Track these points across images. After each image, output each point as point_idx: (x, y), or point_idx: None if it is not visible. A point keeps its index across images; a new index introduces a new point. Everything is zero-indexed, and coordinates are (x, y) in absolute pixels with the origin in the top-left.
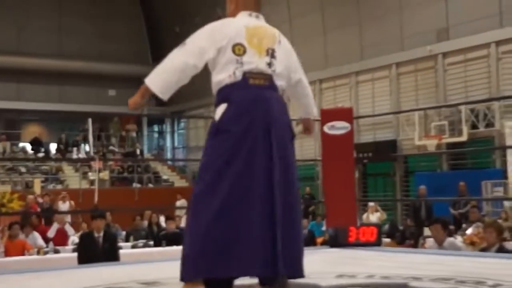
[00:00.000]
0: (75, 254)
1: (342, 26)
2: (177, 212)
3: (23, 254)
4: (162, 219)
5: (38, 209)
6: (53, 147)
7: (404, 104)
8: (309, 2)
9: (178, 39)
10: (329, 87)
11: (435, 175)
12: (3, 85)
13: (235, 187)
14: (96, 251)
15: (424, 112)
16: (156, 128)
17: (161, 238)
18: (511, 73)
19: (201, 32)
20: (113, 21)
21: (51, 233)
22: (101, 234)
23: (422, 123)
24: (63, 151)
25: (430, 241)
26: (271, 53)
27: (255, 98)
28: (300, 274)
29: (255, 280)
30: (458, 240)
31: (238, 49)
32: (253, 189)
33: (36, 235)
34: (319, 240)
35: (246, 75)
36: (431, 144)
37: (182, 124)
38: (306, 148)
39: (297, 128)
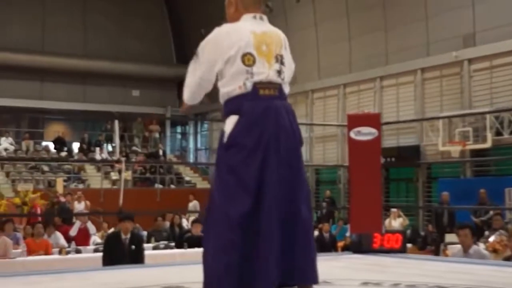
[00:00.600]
0: (97, 254)
1: (368, 31)
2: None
3: (46, 254)
4: (184, 221)
5: (39, 211)
6: (75, 146)
7: (429, 110)
8: (335, 6)
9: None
10: (353, 91)
11: (458, 181)
12: (27, 84)
13: (247, 201)
14: (122, 252)
15: (448, 118)
16: (179, 129)
17: (184, 241)
18: None
19: (208, 42)
20: (138, 21)
21: (73, 231)
22: (128, 236)
23: (446, 129)
24: (85, 150)
25: (452, 248)
26: (280, 60)
27: (265, 110)
28: (314, 281)
29: None
30: (481, 247)
31: (248, 59)
32: (266, 201)
33: (59, 235)
34: (340, 244)
35: (257, 86)
36: (455, 150)
37: (205, 126)
38: (329, 152)
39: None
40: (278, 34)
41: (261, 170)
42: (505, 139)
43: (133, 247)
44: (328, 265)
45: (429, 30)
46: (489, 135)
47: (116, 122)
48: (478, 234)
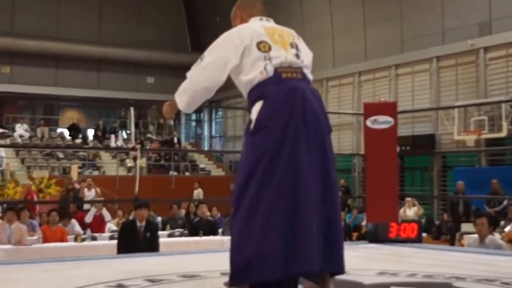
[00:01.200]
0: (113, 242)
1: (383, 19)
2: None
3: (61, 241)
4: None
5: (35, 198)
6: (90, 133)
7: (444, 99)
8: None
9: (218, 28)
10: (369, 79)
11: (473, 170)
12: (42, 70)
13: (283, 186)
14: (137, 240)
15: (464, 107)
16: (193, 116)
17: (195, 227)
18: None
19: (219, 42)
20: (153, 8)
21: (88, 218)
22: (143, 223)
23: (462, 117)
24: (100, 137)
25: (468, 238)
26: (296, 46)
27: (290, 92)
28: (342, 270)
29: None
30: (497, 237)
31: (263, 46)
32: (300, 186)
33: (74, 222)
34: (354, 233)
35: (278, 70)
36: (470, 139)
37: (220, 113)
38: (344, 141)
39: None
40: (288, 29)
41: (293, 153)
42: None
43: (148, 234)
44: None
45: (445, 18)
46: (505, 124)
47: (132, 110)
48: (493, 224)
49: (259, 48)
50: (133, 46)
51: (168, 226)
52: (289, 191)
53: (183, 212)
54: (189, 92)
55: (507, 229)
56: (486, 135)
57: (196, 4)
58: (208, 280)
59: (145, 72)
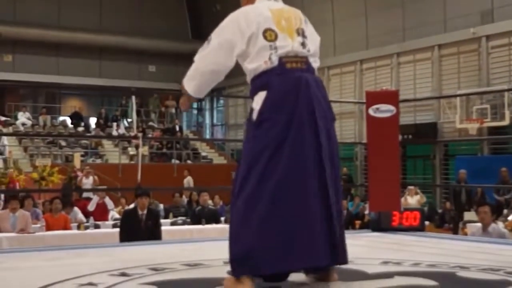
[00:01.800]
0: (116, 230)
1: (385, 6)
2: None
3: (64, 229)
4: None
5: (18, 186)
6: (92, 121)
7: (446, 87)
8: None
9: (218, 17)
10: (370, 67)
11: (475, 159)
12: (43, 59)
13: (285, 178)
14: (139, 228)
15: (466, 96)
16: (195, 105)
17: (197, 215)
18: None
19: (225, 25)
20: None
21: (91, 206)
22: (145, 211)
23: (464, 106)
24: (102, 126)
25: (471, 226)
26: (302, 33)
27: (295, 83)
28: (346, 261)
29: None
30: (500, 226)
31: (270, 35)
32: (305, 178)
33: (77, 210)
34: (357, 222)
35: (283, 60)
36: (472, 127)
37: (221, 102)
38: (346, 129)
39: None
40: (295, 10)
41: (298, 145)
42: None
43: (150, 223)
44: (347, 244)
45: (447, 6)
46: (507, 113)
47: (133, 98)
48: (497, 212)
49: (265, 37)
50: (135, 35)
51: (170, 214)
52: (291, 183)
53: (185, 200)
54: (197, 76)
55: (510, 217)
56: (489, 123)
57: None
58: (211, 269)
59: (147, 60)
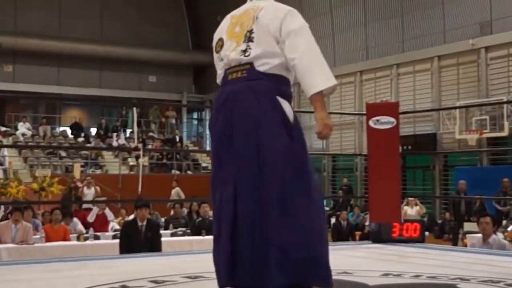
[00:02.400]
0: (116, 241)
1: (384, 17)
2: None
3: (64, 240)
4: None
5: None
6: (93, 131)
7: (445, 98)
8: None
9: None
10: (370, 78)
11: (475, 169)
12: (44, 69)
13: (219, 198)
14: (138, 240)
15: (466, 108)
16: (195, 115)
17: (198, 227)
18: None
19: None
20: (154, 7)
21: (91, 217)
22: (144, 223)
23: (463, 117)
24: (102, 136)
25: (471, 237)
26: (248, 36)
27: (226, 96)
28: (311, 280)
29: None
30: (500, 236)
31: (218, 46)
32: (223, 195)
33: (76, 221)
34: (357, 233)
35: (227, 71)
36: (471, 138)
37: None
38: (346, 140)
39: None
40: (257, 6)
41: (220, 160)
42: None
43: (150, 234)
44: (348, 255)
45: (446, 17)
46: (506, 124)
47: (134, 110)
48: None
49: (215, 49)
50: (135, 45)
51: (171, 225)
52: (224, 203)
53: (185, 211)
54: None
55: (510, 228)
56: (488, 134)
57: (197, 4)
58: (211, 282)
59: (147, 70)
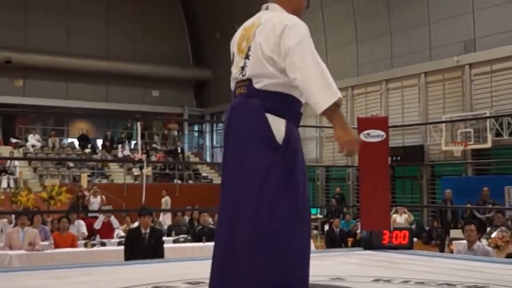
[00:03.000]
0: (121, 247)
1: (374, 36)
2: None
3: (72, 247)
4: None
5: None
6: (99, 143)
7: (432, 112)
8: (342, 13)
9: (217, 44)
10: (361, 93)
11: (460, 179)
12: (53, 84)
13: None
14: (142, 246)
15: (450, 119)
16: (196, 127)
17: (198, 235)
18: None
19: None
20: (157, 25)
21: (97, 225)
22: (148, 230)
23: (449, 129)
24: (108, 147)
25: (457, 244)
26: (247, 53)
27: (229, 110)
28: None
29: None
30: (484, 243)
31: (232, 59)
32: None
33: (81, 222)
34: (350, 239)
35: (236, 86)
36: (457, 150)
37: (220, 125)
38: (339, 152)
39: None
40: (260, 20)
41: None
42: (505, 140)
43: (153, 241)
44: (340, 261)
45: (432, 36)
46: (489, 136)
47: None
48: (481, 230)
49: (231, 61)
50: (139, 61)
51: (173, 232)
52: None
53: (187, 218)
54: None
55: (493, 235)
56: (472, 146)
57: (198, 22)
58: None
59: (150, 85)
